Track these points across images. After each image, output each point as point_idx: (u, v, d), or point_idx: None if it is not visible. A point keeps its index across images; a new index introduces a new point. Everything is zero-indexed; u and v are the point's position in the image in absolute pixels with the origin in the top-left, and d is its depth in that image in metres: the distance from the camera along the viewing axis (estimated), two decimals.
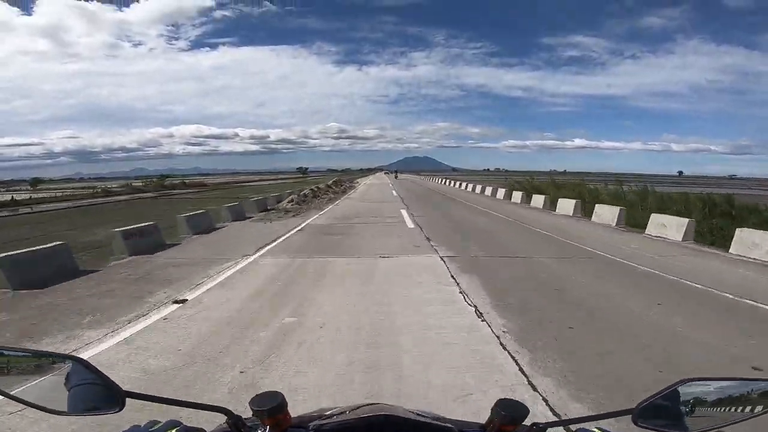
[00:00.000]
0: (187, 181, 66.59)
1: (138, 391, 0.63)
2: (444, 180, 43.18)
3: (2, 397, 0.61)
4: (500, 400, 0.72)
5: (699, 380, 0.70)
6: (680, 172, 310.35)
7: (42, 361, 0.68)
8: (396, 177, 62.32)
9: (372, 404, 0.79)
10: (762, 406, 0.69)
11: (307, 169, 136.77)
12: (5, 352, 0.66)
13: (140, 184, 51.62)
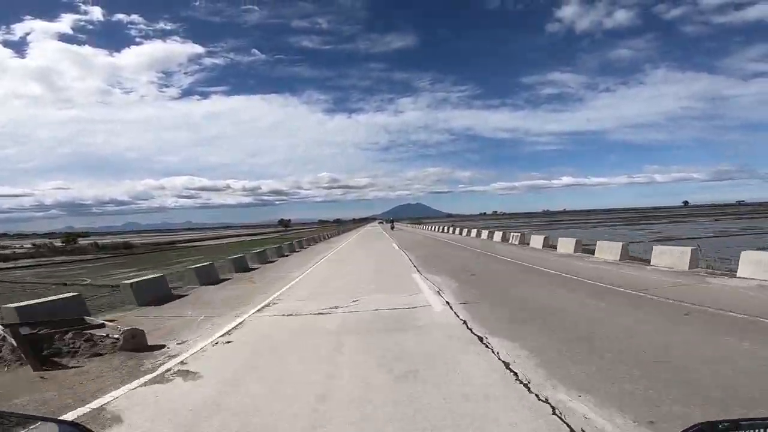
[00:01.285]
0: (102, 242, 54.16)
1: None
2: (447, 228, 38.93)
3: None
4: None
5: (718, 422, 0.74)
6: (686, 202, 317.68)
7: (37, 426, 0.71)
8: (392, 228, 56.49)
9: None
10: None
11: (289, 221, 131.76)
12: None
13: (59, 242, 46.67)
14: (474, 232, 29.43)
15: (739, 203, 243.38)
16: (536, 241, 18.07)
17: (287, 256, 20.02)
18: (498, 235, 22.48)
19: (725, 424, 0.71)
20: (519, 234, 20.28)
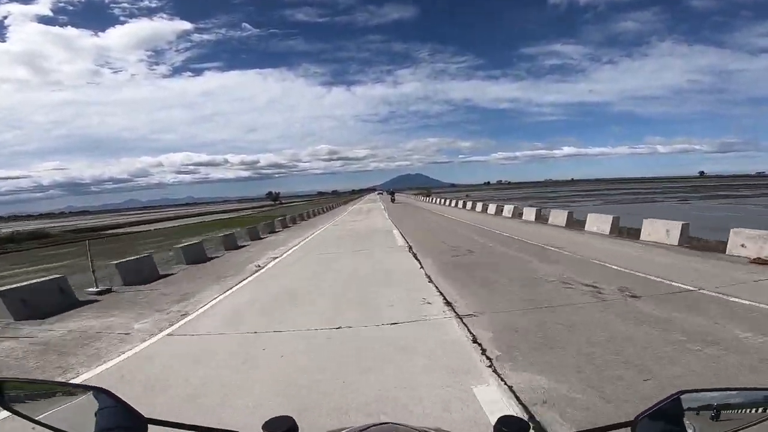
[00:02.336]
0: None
1: (160, 418, 0.73)
2: (463, 203, 31.47)
3: (32, 424, 0.72)
4: (501, 417, 0.80)
5: (697, 391, 0.77)
6: (702, 173, 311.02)
7: (68, 391, 0.82)
8: (393, 200, 51.70)
9: (381, 424, 0.89)
10: (761, 416, 0.76)
11: (278, 194, 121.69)
12: (35, 383, 0.79)
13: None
14: (507, 210, 21.79)
15: (759, 174, 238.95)
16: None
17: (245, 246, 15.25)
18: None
19: (702, 392, 0.77)
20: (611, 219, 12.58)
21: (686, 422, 0.75)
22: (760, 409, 0.76)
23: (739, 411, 0.77)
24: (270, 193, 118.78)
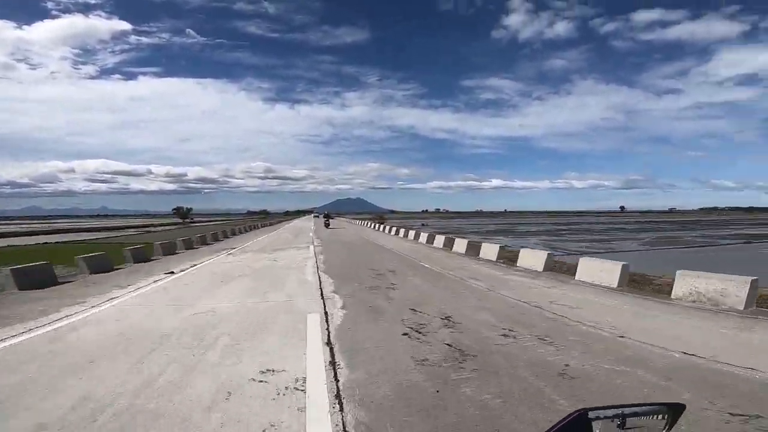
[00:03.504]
0: None
1: None
2: (419, 235, 25.37)
3: None
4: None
5: (599, 409, 0.84)
6: (622, 208, 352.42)
7: None
8: (327, 224, 42.41)
9: None
10: (661, 428, 0.87)
11: (189, 210, 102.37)
12: None
13: None
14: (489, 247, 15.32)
15: (671, 210, 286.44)
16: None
17: None
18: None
19: (604, 410, 0.84)
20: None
21: None
22: (659, 421, 0.87)
23: (639, 425, 0.86)
24: (178, 210, 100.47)
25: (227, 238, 27.75)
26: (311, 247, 17.27)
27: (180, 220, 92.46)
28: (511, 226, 75.27)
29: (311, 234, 29.19)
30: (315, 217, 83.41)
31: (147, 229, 56.89)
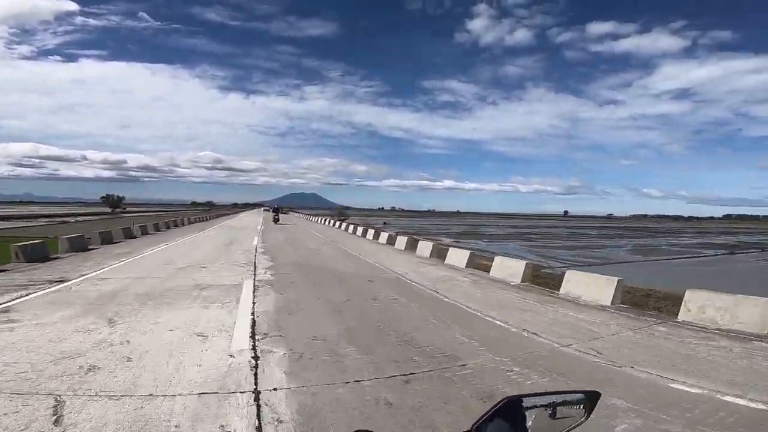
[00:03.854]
0: None
1: None
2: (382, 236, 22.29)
3: None
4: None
5: (524, 396, 0.89)
6: (566, 212, 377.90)
7: None
8: (276, 219, 38.34)
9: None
10: (582, 415, 0.92)
11: (121, 199, 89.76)
12: None
13: None
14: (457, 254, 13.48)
15: (609, 216, 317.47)
16: None
17: None
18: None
19: (530, 397, 0.89)
20: None
21: (517, 427, 0.85)
22: (580, 408, 0.92)
23: (564, 412, 0.91)
24: (108, 198, 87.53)
25: (131, 238, 22.88)
26: (250, 270, 10.23)
27: (110, 210, 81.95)
28: (473, 228, 74.36)
29: (256, 240, 18.85)
30: (266, 211, 77.64)
31: (63, 220, 48.78)
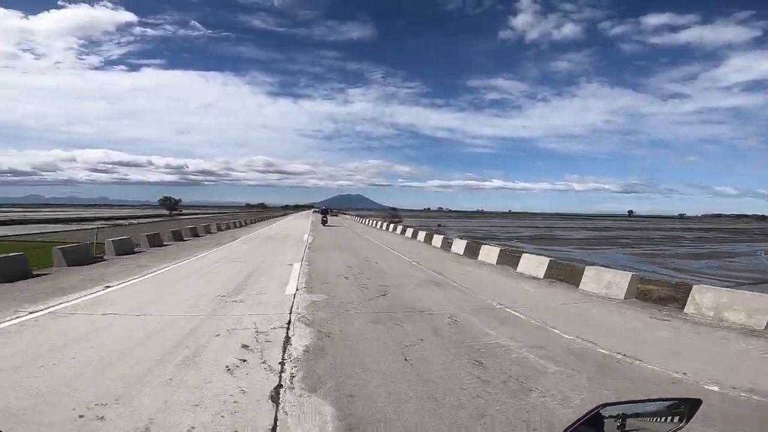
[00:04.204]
0: None
1: None
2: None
3: None
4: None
5: (617, 404, 0.88)
6: (630, 212, 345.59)
7: None
8: (324, 222, 35.66)
9: None
10: (677, 423, 0.89)
11: (177, 201, 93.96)
12: None
13: None
14: None
15: (681, 215, 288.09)
16: None
17: None
18: None
19: (625, 404, 0.88)
20: None
21: None
22: (677, 418, 0.89)
23: (657, 420, 0.88)
24: (166, 200, 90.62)
25: (177, 241, 19.88)
26: (290, 290, 8.17)
27: (167, 212, 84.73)
28: (543, 230, 65.75)
29: (295, 270, 10.41)
30: (315, 212, 75.93)
31: (116, 222, 49.31)
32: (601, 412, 0.83)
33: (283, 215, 70.68)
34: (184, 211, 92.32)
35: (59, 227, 39.79)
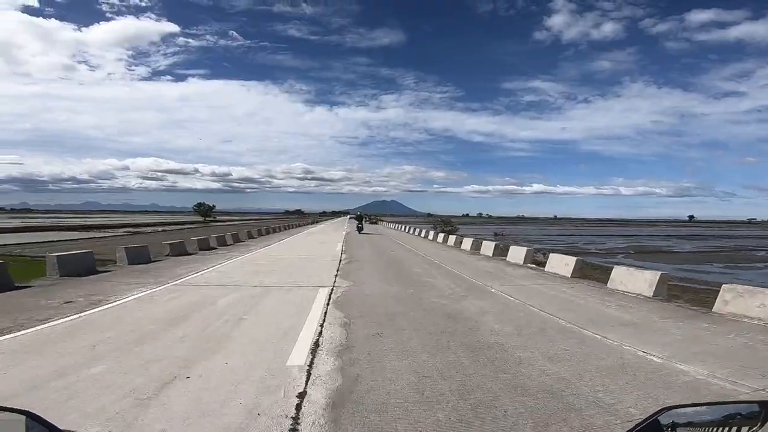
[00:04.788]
0: None
1: None
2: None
3: None
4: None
5: (680, 407, 0.83)
6: (691, 217, 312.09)
7: None
8: (360, 228, 32.82)
9: None
10: (742, 428, 0.80)
11: (211, 208, 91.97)
12: None
13: None
14: None
15: (750, 221, 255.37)
16: None
17: None
18: None
19: (692, 407, 0.84)
20: None
21: None
22: (742, 421, 0.80)
23: (722, 424, 0.79)
24: (201, 206, 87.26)
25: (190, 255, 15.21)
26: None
27: (201, 219, 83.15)
28: (621, 240, 54.09)
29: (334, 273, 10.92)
30: (351, 219, 71.34)
31: (138, 230, 46.77)
32: (660, 418, 0.78)
33: (312, 223, 65.80)
34: (218, 218, 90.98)
35: (77, 234, 37.31)
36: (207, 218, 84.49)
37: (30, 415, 0.74)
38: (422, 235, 32.20)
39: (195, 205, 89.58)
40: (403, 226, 45.10)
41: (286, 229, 39.73)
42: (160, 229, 48.92)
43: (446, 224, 44.79)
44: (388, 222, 72.38)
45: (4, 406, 0.80)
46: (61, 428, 0.74)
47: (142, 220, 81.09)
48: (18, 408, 0.78)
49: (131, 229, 46.14)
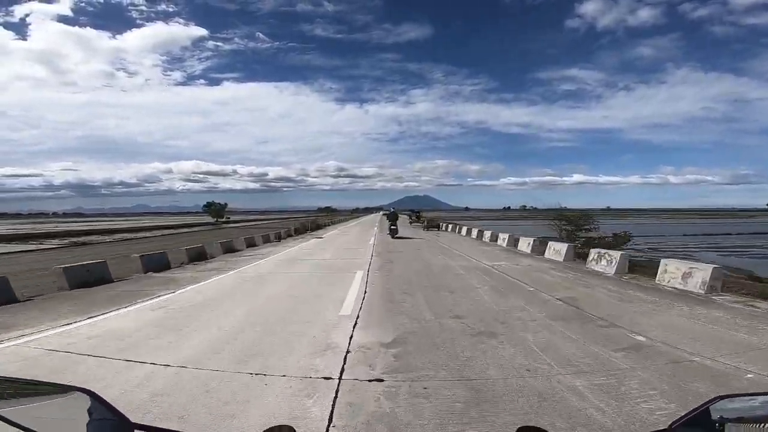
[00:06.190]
0: None
1: (148, 424, 0.77)
2: None
3: (11, 426, 0.68)
4: (521, 428, 0.89)
5: (733, 396, 0.79)
6: None
7: (50, 391, 0.79)
8: (393, 231, 24.41)
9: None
10: None
11: (223, 206, 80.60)
12: (15, 381, 0.78)
13: None
14: None
15: None
16: None
17: None
18: None
19: (744, 397, 0.79)
20: None
21: (722, 427, 0.73)
22: None
23: None
24: (211, 205, 78.73)
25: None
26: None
27: (214, 221, 76.09)
28: (721, 238, 43.93)
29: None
30: (384, 215, 62.20)
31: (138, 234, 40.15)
32: (714, 405, 0.75)
33: (341, 222, 57.71)
34: (230, 218, 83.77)
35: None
36: (219, 219, 77.68)
37: (90, 393, 0.74)
38: (484, 241, 22.68)
39: (205, 205, 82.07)
40: (469, 230, 26.87)
41: (278, 239, 25.52)
42: (148, 234, 42.14)
43: (578, 227, 21.09)
44: (457, 223, 35.60)
45: (65, 384, 0.78)
46: (117, 408, 0.72)
47: (145, 224, 76.03)
48: (78, 386, 0.76)
49: (75, 239, 38.41)
